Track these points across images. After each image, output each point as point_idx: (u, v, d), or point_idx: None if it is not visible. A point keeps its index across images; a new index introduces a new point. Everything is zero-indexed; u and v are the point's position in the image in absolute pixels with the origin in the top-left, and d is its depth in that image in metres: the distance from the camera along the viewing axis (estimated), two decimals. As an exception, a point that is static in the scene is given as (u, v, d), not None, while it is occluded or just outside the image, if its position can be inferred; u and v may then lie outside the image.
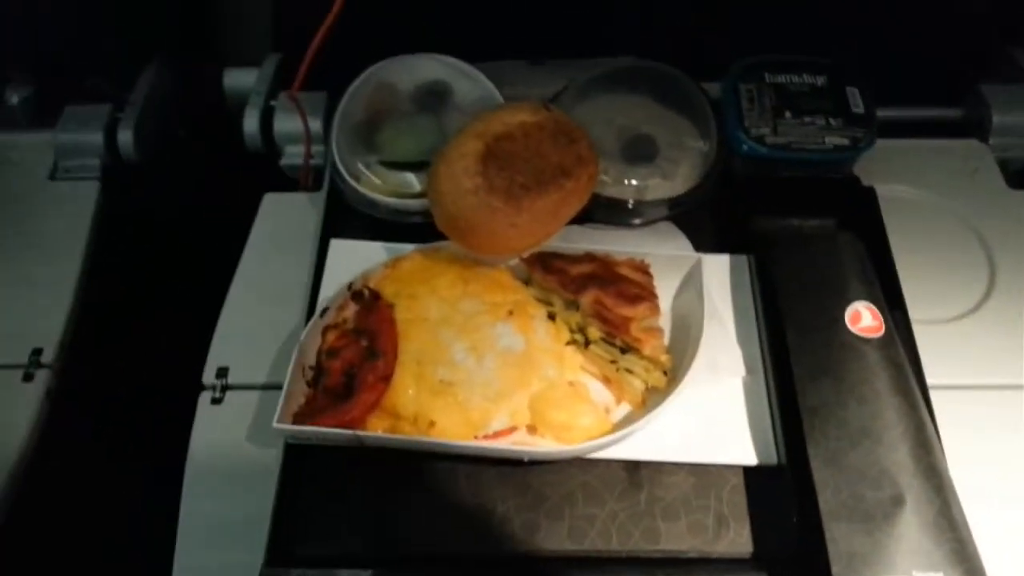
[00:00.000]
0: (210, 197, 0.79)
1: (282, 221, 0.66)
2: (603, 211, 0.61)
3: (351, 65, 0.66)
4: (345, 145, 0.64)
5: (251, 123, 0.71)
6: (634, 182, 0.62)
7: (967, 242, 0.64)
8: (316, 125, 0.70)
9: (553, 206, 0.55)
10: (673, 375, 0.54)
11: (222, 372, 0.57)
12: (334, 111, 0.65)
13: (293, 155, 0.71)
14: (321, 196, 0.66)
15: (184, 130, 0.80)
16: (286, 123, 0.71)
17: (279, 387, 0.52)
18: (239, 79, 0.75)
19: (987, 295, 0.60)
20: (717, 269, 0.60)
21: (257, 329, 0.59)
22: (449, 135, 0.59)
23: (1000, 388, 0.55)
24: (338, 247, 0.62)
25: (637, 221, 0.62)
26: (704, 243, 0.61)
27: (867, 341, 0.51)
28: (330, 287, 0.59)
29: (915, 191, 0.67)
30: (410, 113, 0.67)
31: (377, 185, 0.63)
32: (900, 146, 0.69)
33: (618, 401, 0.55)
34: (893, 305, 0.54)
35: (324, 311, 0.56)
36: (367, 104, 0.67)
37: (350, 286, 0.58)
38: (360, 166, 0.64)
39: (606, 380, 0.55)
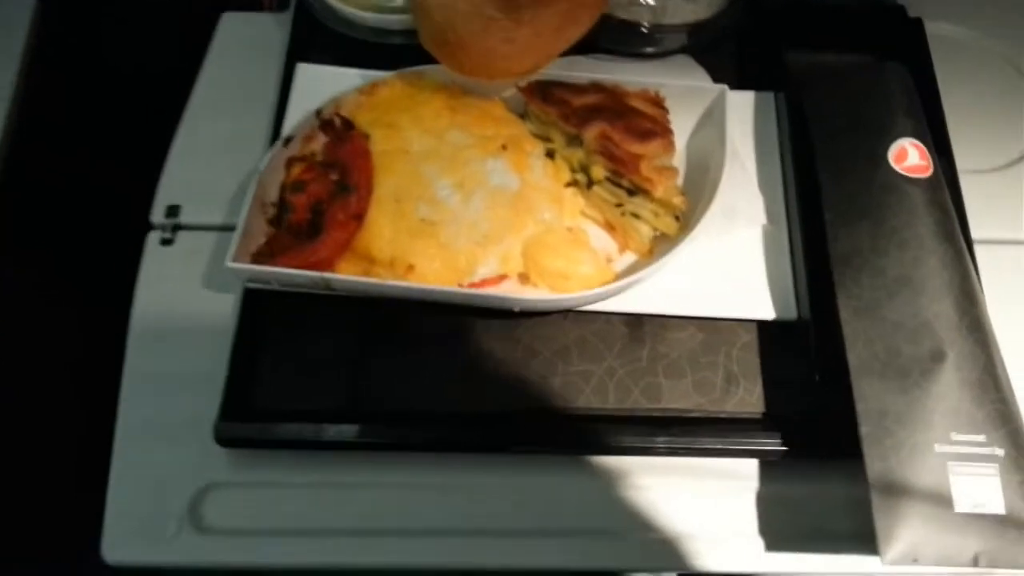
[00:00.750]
0: (162, 17, 0.69)
1: (242, 44, 0.58)
2: (614, 36, 0.53)
3: None
4: (315, -47, 0.55)
5: (206, -69, 0.61)
6: (651, 3, 0.53)
7: (1016, 88, 0.57)
8: (282, -65, 0.61)
9: (558, 20, 0.47)
10: (686, 221, 0.47)
11: (173, 210, 0.51)
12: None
13: (254, -31, 0.62)
14: (287, 16, 0.58)
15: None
16: (246, -69, 0.61)
17: (237, 227, 0.46)
18: None
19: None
20: (740, 107, 0.53)
21: (213, 164, 0.53)
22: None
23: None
24: (306, 72, 0.54)
25: (651, 50, 0.54)
26: (725, 80, 0.53)
27: (912, 181, 0.44)
28: (296, 116, 0.51)
29: (963, 30, 0.59)
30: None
31: (352, -1, 0.54)
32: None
33: (622, 249, 0.49)
34: (939, 148, 0.48)
35: (288, 140, 0.49)
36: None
37: (319, 113, 0.50)
38: (333, -23, 0.55)
39: (609, 226, 0.49)
